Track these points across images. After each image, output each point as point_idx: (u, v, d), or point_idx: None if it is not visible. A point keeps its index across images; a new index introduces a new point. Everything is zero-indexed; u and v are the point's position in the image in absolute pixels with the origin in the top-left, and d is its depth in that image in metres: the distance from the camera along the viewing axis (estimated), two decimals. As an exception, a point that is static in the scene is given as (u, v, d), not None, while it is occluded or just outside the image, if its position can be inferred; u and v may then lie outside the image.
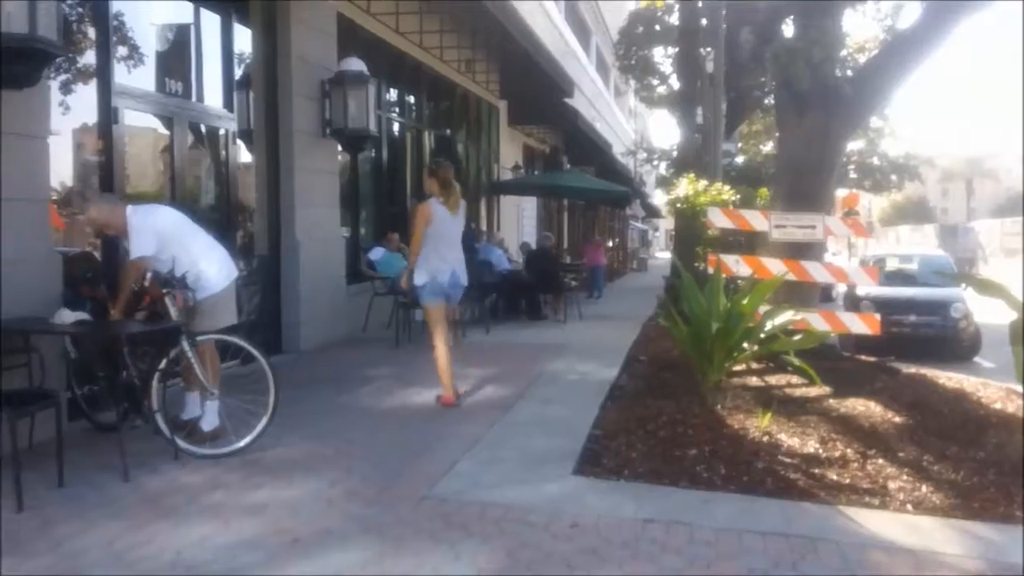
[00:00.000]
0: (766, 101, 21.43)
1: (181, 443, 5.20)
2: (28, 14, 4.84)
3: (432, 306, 6.75)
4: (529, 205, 22.68)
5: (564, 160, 25.04)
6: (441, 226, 6.66)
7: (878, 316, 8.54)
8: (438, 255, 6.68)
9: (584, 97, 24.47)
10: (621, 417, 6.31)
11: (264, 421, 5.26)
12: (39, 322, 5.17)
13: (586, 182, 19.02)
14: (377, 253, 11.34)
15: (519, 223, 21.28)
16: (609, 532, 4.06)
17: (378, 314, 10.85)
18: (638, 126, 48.83)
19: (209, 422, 5.46)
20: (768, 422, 6.04)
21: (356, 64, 9.83)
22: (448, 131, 15.86)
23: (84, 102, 6.76)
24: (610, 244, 29.41)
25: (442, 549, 3.83)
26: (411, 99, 14.38)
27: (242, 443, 5.22)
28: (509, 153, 20.40)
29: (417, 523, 4.15)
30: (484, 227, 18.03)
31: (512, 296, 13.25)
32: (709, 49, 16.33)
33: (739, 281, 8.49)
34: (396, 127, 13.75)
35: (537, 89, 16.73)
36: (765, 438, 5.73)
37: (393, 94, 13.53)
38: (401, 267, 10.85)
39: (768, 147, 29.97)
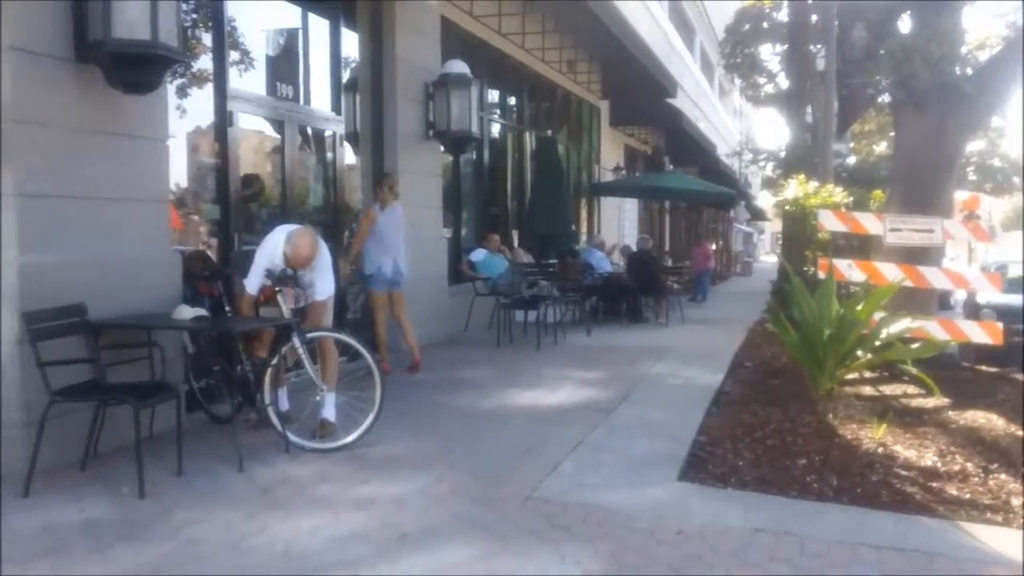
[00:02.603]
0: (880, 99, 20.63)
1: (292, 436, 5.33)
2: (150, 22, 5.02)
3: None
4: (630, 207, 22.48)
5: (666, 161, 24.73)
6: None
7: (1000, 325, 8.11)
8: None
9: (687, 97, 24.11)
10: (727, 423, 6.18)
11: (371, 418, 5.35)
12: (160, 318, 5.38)
13: (689, 183, 18.74)
14: (479, 254, 11.42)
15: (620, 225, 21.10)
16: (716, 540, 3.96)
17: (479, 315, 10.93)
18: (743, 126, 47.87)
19: (329, 414, 5.59)
20: (883, 433, 5.81)
21: (459, 66, 9.93)
22: (549, 132, 15.87)
23: (199, 106, 7.01)
24: (713, 247, 28.90)
25: (547, 549, 3.81)
26: (512, 100, 14.44)
27: (350, 438, 5.32)
28: (610, 154, 20.28)
29: (521, 522, 4.14)
30: (584, 230, 17.98)
31: (613, 299, 13.15)
32: (819, 46, 15.85)
33: (851, 287, 8.20)
34: (497, 128, 13.83)
35: (640, 89, 16.59)
36: (879, 449, 5.52)
37: (495, 95, 13.61)
38: (502, 268, 10.94)
39: (882, 147, 28.90)
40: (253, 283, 5.56)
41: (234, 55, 7.40)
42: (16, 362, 4.69)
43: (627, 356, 9.32)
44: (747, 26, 22.98)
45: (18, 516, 4.15)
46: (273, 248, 5.53)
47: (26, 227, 4.78)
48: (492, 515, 4.24)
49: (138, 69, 5.18)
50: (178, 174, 7.21)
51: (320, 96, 8.71)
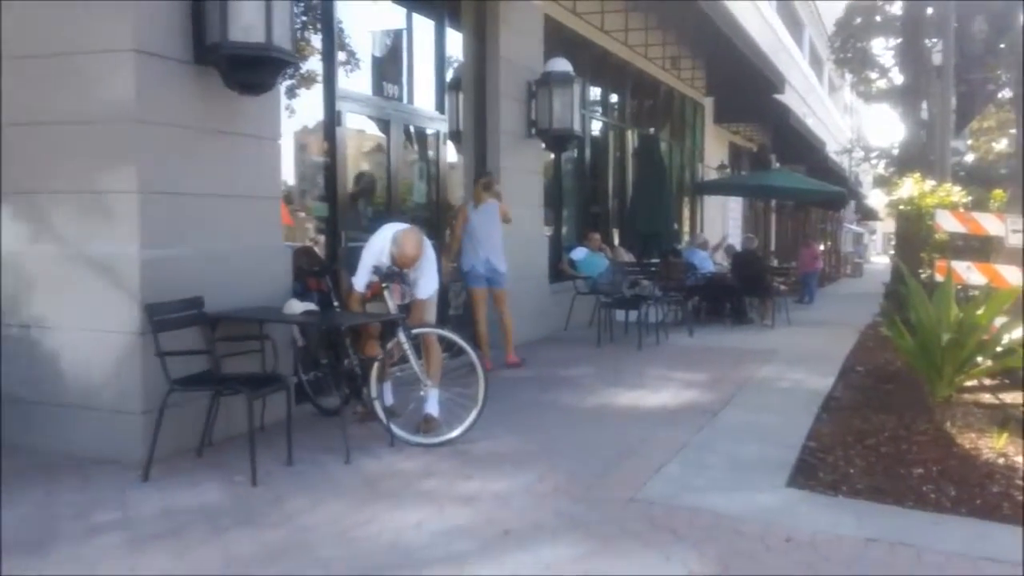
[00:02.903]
0: (1000, 95, 19.72)
1: (397, 430, 5.41)
2: (265, 25, 5.17)
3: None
4: (734, 206, 22.03)
5: (773, 159, 24.13)
6: None
7: None
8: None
9: (795, 93, 23.50)
10: (838, 429, 5.98)
11: (474, 414, 5.38)
12: (271, 312, 5.54)
13: (797, 182, 18.24)
14: (579, 253, 11.37)
15: (724, 225, 20.70)
16: (827, 549, 3.82)
17: (580, 313, 10.88)
18: (854, 123, 46.33)
19: (433, 409, 5.65)
20: (1004, 442, 5.52)
21: (562, 64, 9.91)
22: (651, 129, 15.68)
23: (307, 106, 7.19)
24: (821, 247, 28.05)
25: (652, 552, 3.75)
26: (615, 97, 14.32)
27: (453, 434, 5.37)
28: (714, 151, 19.92)
29: (625, 523, 4.08)
30: (687, 229, 17.71)
31: (716, 299, 12.90)
32: (936, 40, 15.21)
33: (970, 291, 7.83)
34: (599, 126, 13.75)
35: (746, 85, 16.23)
36: (1001, 459, 5.24)
37: (597, 93, 13.53)
38: (603, 267, 10.87)
39: (1002, 145, 27.56)
40: (360, 281, 5.66)
41: (341, 56, 7.56)
42: (138, 352, 4.90)
43: (731, 358, 9.12)
44: (858, 20, 22.27)
45: (139, 499, 4.33)
46: (380, 247, 5.62)
47: (147, 223, 4.98)
48: (595, 515, 4.20)
49: (253, 71, 5.34)
50: (286, 172, 7.41)
51: (424, 95, 8.81)
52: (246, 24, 5.14)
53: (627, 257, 13.08)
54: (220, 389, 4.95)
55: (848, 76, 26.04)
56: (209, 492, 4.46)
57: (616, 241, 13.97)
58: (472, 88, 9.41)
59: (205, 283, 5.22)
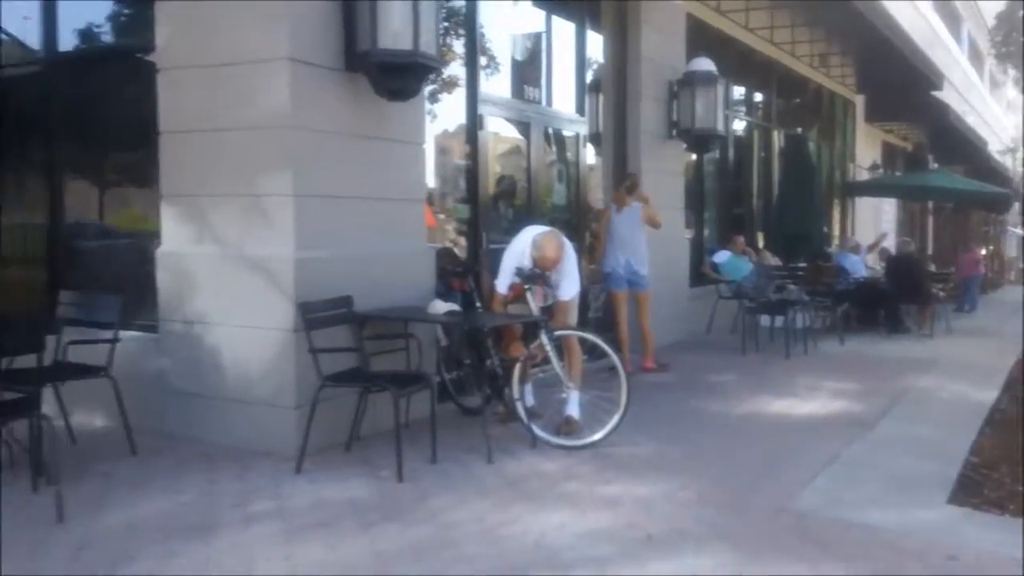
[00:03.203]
0: None
1: (538, 431, 5.41)
2: (413, 33, 5.28)
3: None
4: (889, 208, 21.00)
5: (930, 159, 22.87)
6: None
7: None
8: None
9: (954, 90, 22.21)
10: (1003, 444, 5.62)
11: (616, 417, 5.32)
12: (416, 311, 5.65)
13: (956, 183, 17.23)
14: (722, 256, 11.10)
15: (876, 227, 19.77)
16: (994, 568, 3.58)
17: (722, 318, 10.61)
18: (1018, 120, 43.35)
19: (574, 411, 5.63)
20: None
21: (705, 64, 9.70)
22: (799, 128, 15.15)
23: (448, 110, 7.31)
24: (983, 252, 26.36)
25: (801, 566, 3.59)
26: (760, 96, 13.94)
27: (596, 437, 5.31)
28: (866, 151, 19.06)
29: (774, 535, 3.93)
30: (837, 231, 17.02)
31: (869, 306, 12.28)
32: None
33: None
34: (743, 126, 13.40)
35: (900, 82, 15.44)
36: None
37: (741, 92, 13.19)
38: (746, 270, 10.56)
39: None
40: (503, 283, 5.72)
41: (483, 60, 7.65)
42: (291, 349, 5.09)
43: (887, 367, 8.67)
44: (1022, 12, 20.86)
45: (292, 491, 4.49)
46: (521, 250, 5.67)
47: (301, 225, 5.18)
48: (741, 525, 4.06)
49: (401, 77, 5.46)
50: (427, 175, 7.57)
51: (564, 97, 8.82)
52: (395, 32, 5.26)
53: (773, 261, 12.67)
54: (368, 386, 5.08)
55: (1011, 71, 24.40)
56: (357, 486, 4.57)
57: (761, 244, 13.56)
58: (612, 89, 9.34)
59: (353, 283, 5.37)
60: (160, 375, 5.55)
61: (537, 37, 8.60)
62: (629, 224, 7.98)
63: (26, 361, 4.84)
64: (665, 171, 9.79)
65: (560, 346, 5.60)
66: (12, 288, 6.75)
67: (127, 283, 6.02)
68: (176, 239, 5.58)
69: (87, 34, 6.54)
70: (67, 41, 6.43)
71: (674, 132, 9.83)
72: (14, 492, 4.39)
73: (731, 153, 12.67)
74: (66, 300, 5.57)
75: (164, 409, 5.51)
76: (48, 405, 4.75)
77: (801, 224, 13.19)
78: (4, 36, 6.97)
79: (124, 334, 5.25)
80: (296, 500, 4.35)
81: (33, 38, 6.62)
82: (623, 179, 8.36)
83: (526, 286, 5.60)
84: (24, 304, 6.53)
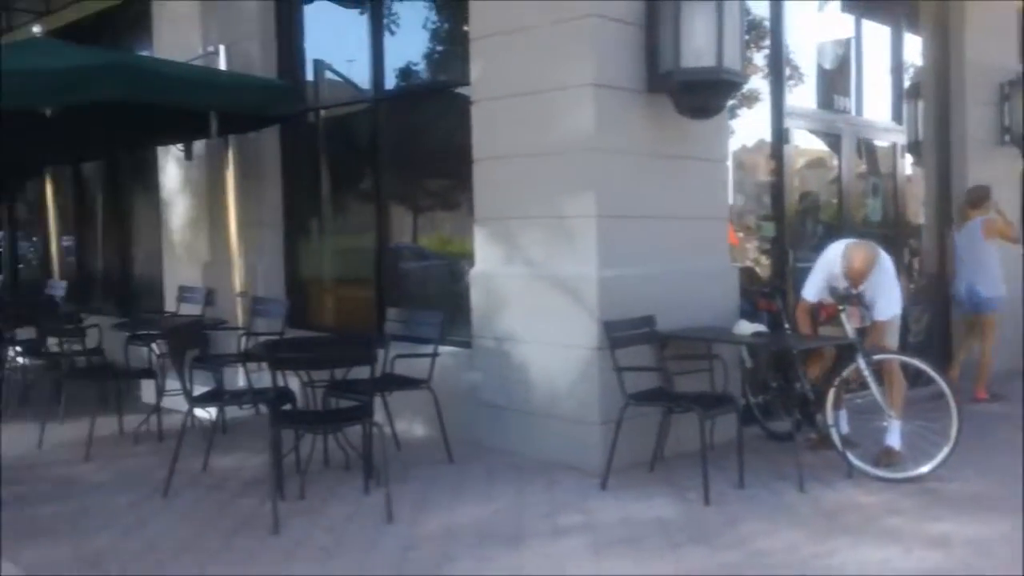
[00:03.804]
0: None
1: (855, 461, 5.06)
2: (716, 50, 5.20)
3: None
4: None
5: None
6: None
7: None
8: None
9: None
10: None
11: (946, 450, 4.82)
12: (720, 331, 5.51)
13: None
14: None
15: None
16: None
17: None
18: None
19: (895, 441, 5.23)
20: None
21: (1044, 61, 8.65)
22: None
23: (747, 124, 7.10)
24: None
25: None
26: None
27: (922, 470, 4.86)
28: None
29: None
30: None
31: None
32: None
33: None
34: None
35: None
36: None
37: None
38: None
39: None
40: (810, 290, 5.49)
41: (787, 71, 7.36)
42: (595, 366, 5.18)
43: None
44: None
45: (599, 506, 4.56)
46: (831, 260, 5.41)
47: (603, 245, 5.27)
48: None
49: (704, 95, 5.40)
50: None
51: (878, 106, 8.25)
52: (697, 50, 5.22)
53: None
54: (672, 406, 5.03)
55: None
56: (662, 506, 4.54)
57: None
58: (933, 94, 8.60)
59: (655, 302, 5.36)
60: (473, 388, 5.88)
61: (846, 43, 8.15)
62: (969, 241, 7.42)
63: (359, 372, 5.33)
64: (994, 181, 8.79)
65: (879, 371, 5.20)
66: (351, 306, 7.53)
67: (441, 301, 6.49)
68: (488, 260, 5.90)
69: (409, 73, 7.16)
70: (391, 80, 7.07)
71: (1006, 138, 8.84)
72: (350, 492, 4.85)
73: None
74: (392, 317, 6.10)
75: (476, 420, 5.82)
76: (377, 413, 5.19)
77: None
78: (337, 78, 7.86)
79: (441, 349, 5.61)
80: (603, 515, 4.40)
81: (359, 78, 7.36)
82: (946, 191, 7.66)
83: (840, 307, 5.27)
84: (359, 321, 7.22)
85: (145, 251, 9.68)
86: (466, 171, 6.02)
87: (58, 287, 9.18)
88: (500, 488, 4.92)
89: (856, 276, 5.21)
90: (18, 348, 7.68)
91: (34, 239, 12.81)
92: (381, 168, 7.09)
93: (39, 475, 5.35)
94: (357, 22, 7.19)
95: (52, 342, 7.16)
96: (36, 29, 7.01)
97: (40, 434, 5.99)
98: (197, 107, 6.40)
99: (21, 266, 13.09)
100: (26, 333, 7.50)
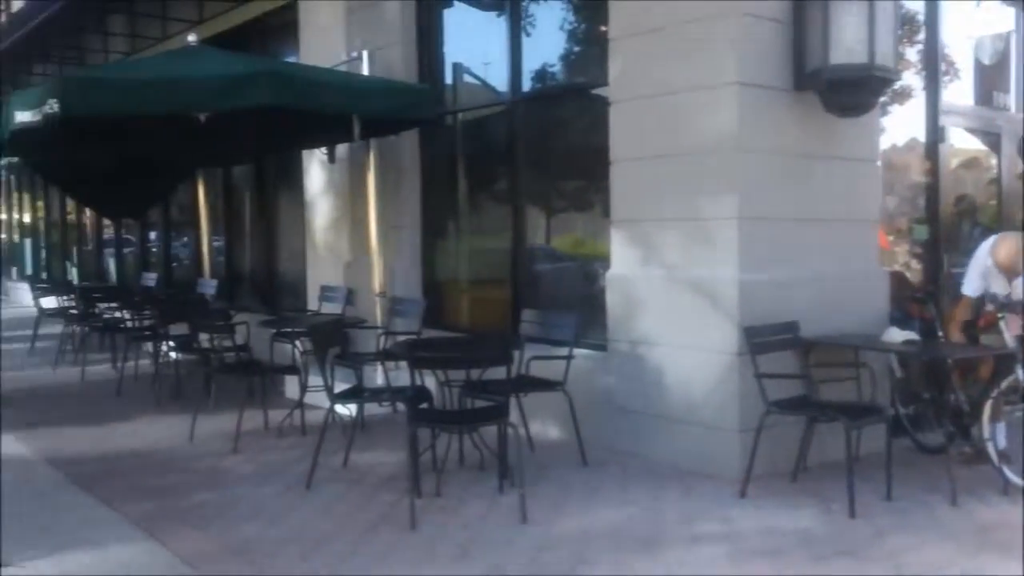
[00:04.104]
0: None
1: (1013, 477, 4.76)
2: (867, 45, 5.01)
3: None
4: None
5: None
6: None
7: None
8: None
9: None
10: None
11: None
12: (868, 338, 5.29)
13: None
14: None
15: None
16: None
17: None
18: None
19: None
20: None
21: None
22: None
23: (897, 122, 6.79)
24: None
25: None
26: None
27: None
28: None
29: None
30: None
31: None
32: None
33: None
34: None
35: None
36: None
37: None
38: None
39: None
40: (969, 286, 5.28)
41: (943, 67, 7.01)
42: (735, 372, 5.06)
43: None
44: None
45: (738, 514, 4.46)
46: (984, 253, 5.21)
47: (745, 247, 5.14)
48: None
49: (855, 92, 5.23)
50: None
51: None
52: (848, 46, 5.05)
53: None
54: (816, 415, 4.85)
55: None
56: (806, 517, 4.40)
57: None
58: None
59: (799, 307, 5.20)
60: (607, 391, 5.84)
61: (1006, 37, 7.70)
62: None
63: (495, 373, 5.38)
64: None
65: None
66: (486, 307, 7.62)
67: (576, 303, 6.48)
68: (624, 262, 5.85)
69: (545, 74, 7.19)
70: (528, 82, 7.12)
71: None
72: (484, 491, 4.91)
73: None
74: (527, 318, 6.12)
75: (610, 423, 5.78)
76: (512, 414, 5.22)
77: None
78: (475, 81, 7.97)
79: (576, 351, 5.59)
80: (742, 524, 4.30)
81: (496, 80, 7.45)
82: None
83: (999, 315, 4.98)
84: (496, 322, 7.31)
85: (289, 251, 10.10)
86: (602, 173, 6.00)
87: (209, 285, 9.64)
88: (635, 492, 4.87)
89: (1006, 268, 4.98)
90: (171, 343, 8.06)
91: (186, 239, 13.55)
92: (517, 170, 7.14)
93: (190, 466, 5.63)
94: (495, 24, 7.28)
95: (203, 338, 7.47)
96: (191, 38, 7.41)
97: (191, 426, 6.31)
98: (341, 111, 6.62)
99: (174, 265, 13.87)
100: (178, 329, 7.87)
